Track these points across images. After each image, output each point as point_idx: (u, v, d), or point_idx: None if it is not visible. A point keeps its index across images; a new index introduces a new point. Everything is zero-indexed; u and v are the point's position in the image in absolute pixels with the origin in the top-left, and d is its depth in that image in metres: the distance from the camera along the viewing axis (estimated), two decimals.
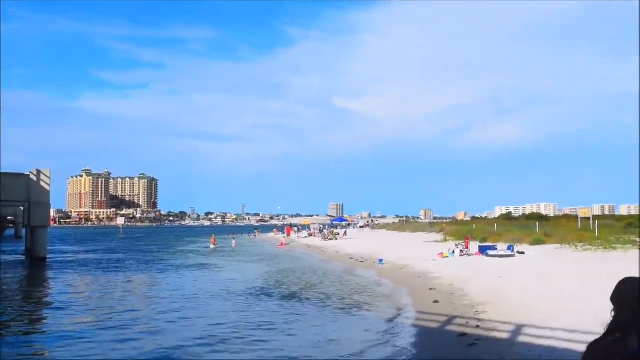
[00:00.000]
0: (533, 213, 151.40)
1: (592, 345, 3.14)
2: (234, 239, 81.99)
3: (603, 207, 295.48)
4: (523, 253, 35.08)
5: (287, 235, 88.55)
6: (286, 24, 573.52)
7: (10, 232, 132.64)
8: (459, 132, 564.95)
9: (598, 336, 3.15)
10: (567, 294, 18.25)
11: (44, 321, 20.39)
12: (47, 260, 48.04)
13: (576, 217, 62.64)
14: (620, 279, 3.27)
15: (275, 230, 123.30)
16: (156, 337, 16.24)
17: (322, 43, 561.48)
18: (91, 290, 29.66)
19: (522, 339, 13.31)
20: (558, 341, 12.25)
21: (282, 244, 72.46)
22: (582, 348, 9.59)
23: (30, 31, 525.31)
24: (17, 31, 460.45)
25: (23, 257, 53.76)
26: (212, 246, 70.39)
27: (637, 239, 35.19)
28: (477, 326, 15.05)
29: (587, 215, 55.71)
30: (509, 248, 36.23)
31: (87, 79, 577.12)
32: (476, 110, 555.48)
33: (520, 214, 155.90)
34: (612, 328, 3.09)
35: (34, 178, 47.01)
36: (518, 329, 14.12)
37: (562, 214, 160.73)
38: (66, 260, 50.63)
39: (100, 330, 17.55)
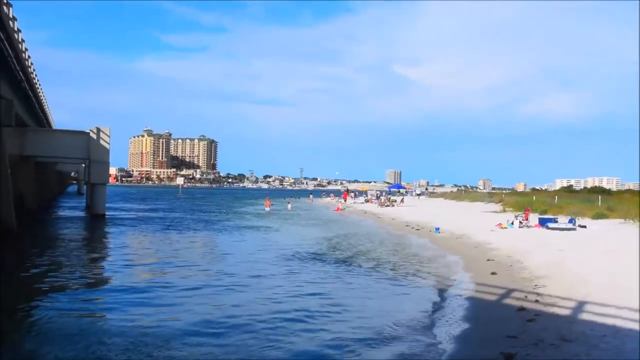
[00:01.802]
0: (595, 186, 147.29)
1: None
2: (289, 202, 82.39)
3: None
4: (585, 227, 33.97)
5: (344, 201, 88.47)
6: None
7: (73, 188, 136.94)
8: (520, 103, 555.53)
9: None
10: (633, 271, 17.42)
11: (103, 280, 20.70)
12: (106, 217, 49.19)
13: None
14: None
15: (332, 195, 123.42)
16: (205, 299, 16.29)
17: (382, 11, 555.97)
18: (143, 250, 30.10)
19: (583, 316, 12.73)
20: (624, 321, 11.61)
21: (338, 209, 72.45)
22: None
23: None
24: None
25: (83, 214, 55.09)
26: (266, 209, 70.85)
27: None
28: (537, 301, 14.55)
29: None
30: (571, 221, 35.13)
31: (148, 41, 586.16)
32: (537, 81, 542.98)
33: (582, 187, 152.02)
34: None
35: (94, 136, 47.80)
36: (579, 306, 13.54)
37: (626, 188, 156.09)
38: (124, 217, 51.82)
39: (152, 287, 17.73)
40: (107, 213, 51.10)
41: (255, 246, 30.82)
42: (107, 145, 48.62)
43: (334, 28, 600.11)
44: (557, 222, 35.34)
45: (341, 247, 30.27)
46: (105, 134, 48.40)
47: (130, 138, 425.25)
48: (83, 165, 74.44)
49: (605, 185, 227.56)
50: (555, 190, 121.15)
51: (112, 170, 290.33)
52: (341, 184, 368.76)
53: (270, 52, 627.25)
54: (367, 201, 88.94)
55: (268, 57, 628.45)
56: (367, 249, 29.74)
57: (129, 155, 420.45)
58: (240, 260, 24.80)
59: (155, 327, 12.55)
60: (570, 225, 33.91)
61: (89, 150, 47.91)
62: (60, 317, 13.56)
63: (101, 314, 14.31)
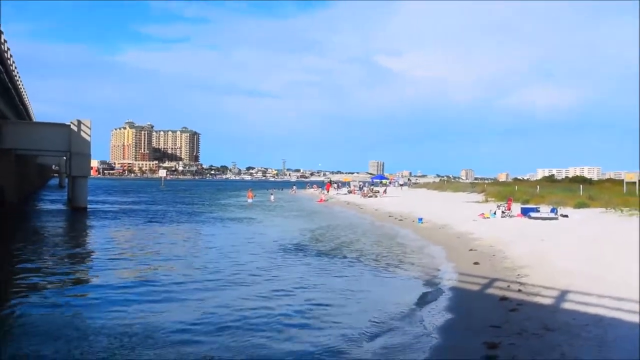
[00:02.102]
0: (577, 176, 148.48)
1: None
2: (272, 194, 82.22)
3: None
4: (567, 216, 34.19)
5: (327, 192, 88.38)
6: None
7: (55, 181, 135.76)
8: (503, 95, 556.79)
9: None
10: (614, 260, 17.53)
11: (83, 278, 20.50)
12: (88, 210, 48.81)
13: (621, 181, 61.03)
14: None
15: (315, 186, 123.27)
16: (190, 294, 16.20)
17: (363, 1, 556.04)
18: (125, 244, 29.88)
19: (566, 305, 12.80)
20: (606, 309, 11.70)
21: (321, 200, 72.39)
22: (632, 318, 9.09)
23: None
24: None
25: (64, 207, 54.60)
26: (249, 200, 70.65)
27: None
28: (519, 290, 14.61)
29: (632, 180, 54.04)
30: (552, 210, 35.35)
31: (130, 34, 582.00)
32: (519, 74, 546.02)
33: (563, 177, 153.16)
34: None
35: (75, 128, 47.35)
36: (562, 295, 13.62)
37: (606, 177, 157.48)
38: (106, 210, 51.48)
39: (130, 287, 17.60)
40: (89, 206, 50.71)
41: (238, 238, 30.67)
42: (88, 138, 48.15)
43: (317, 19, 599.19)
44: (539, 211, 35.53)
45: (324, 239, 30.22)
46: (87, 126, 47.92)
47: (112, 130, 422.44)
48: (64, 157, 73.80)
49: (586, 174, 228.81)
50: (537, 180, 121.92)
51: (94, 163, 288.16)
52: (324, 175, 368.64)
53: (254, 44, 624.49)
54: (350, 192, 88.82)
55: (251, 48, 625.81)
56: (350, 240, 29.73)
57: (110, 148, 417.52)
58: (224, 253, 24.55)
59: (138, 324, 12.35)
60: (552, 215, 34.10)
61: (70, 143, 47.45)
62: (41, 313, 13.38)
63: (82, 310, 14.04)
